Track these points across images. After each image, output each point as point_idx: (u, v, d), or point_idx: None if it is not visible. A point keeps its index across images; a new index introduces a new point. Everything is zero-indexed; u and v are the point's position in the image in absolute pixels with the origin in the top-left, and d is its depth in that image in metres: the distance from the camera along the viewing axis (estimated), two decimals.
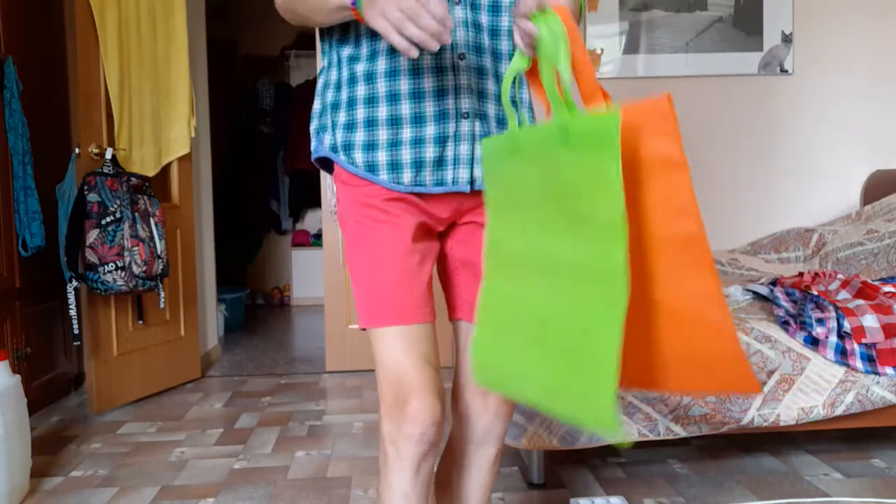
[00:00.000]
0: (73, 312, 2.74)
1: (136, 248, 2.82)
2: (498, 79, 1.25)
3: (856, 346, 2.05)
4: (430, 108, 1.20)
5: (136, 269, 2.81)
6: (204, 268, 3.83)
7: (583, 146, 0.90)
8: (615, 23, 3.56)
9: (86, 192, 2.78)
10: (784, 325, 2.13)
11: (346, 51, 1.24)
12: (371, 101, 1.21)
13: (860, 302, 2.11)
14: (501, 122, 1.26)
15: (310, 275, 5.86)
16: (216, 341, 4.05)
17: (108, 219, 2.79)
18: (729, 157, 3.66)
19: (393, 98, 1.20)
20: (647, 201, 0.94)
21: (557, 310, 0.95)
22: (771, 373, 2.06)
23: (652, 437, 2.07)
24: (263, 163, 5.88)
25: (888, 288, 2.20)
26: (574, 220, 0.92)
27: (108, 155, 2.89)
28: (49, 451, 2.55)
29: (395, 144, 1.21)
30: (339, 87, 1.26)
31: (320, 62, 1.35)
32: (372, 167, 1.22)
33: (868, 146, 3.68)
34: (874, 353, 2.05)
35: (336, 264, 3.64)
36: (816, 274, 2.43)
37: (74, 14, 2.90)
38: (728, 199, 3.67)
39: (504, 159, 1.09)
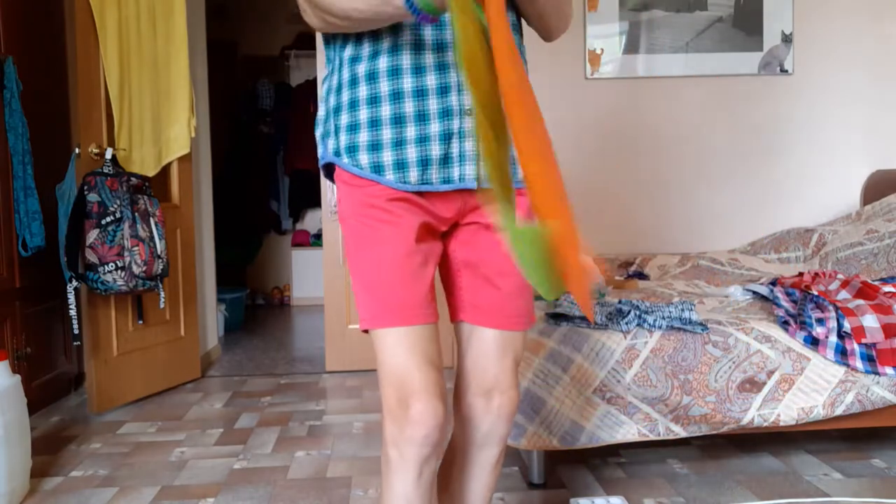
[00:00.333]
0: (73, 312, 2.74)
1: (136, 248, 2.82)
2: None
3: (856, 346, 2.05)
4: (433, 105, 1.19)
5: (136, 269, 2.81)
6: (204, 268, 3.83)
7: None
8: (615, 23, 3.56)
9: (86, 192, 2.78)
10: (784, 325, 2.13)
11: (348, 52, 1.24)
12: (374, 100, 1.21)
13: (860, 302, 2.11)
14: None
15: (310, 275, 5.87)
16: (216, 341, 4.05)
17: (108, 219, 2.79)
18: (729, 157, 3.66)
19: (396, 96, 1.20)
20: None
21: None
22: (771, 373, 2.06)
23: (652, 437, 2.07)
24: (263, 163, 5.88)
25: (888, 288, 2.20)
26: None
27: (108, 155, 2.89)
28: (49, 451, 2.55)
29: (399, 143, 1.20)
30: (339, 89, 1.25)
31: (321, 62, 1.35)
32: (378, 168, 1.21)
33: (868, 146, 3.68)
34: (874, 353, 2.05)
35: (336, 264, 3.64)
36: (816, 274, 2.43)
37: (74, 14, 2.90)
38: (728, 199, 3.67)
39: None
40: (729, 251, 3.43)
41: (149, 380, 3.23)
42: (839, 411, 2.07)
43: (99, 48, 2.95)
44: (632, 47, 3.58)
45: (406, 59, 1.19)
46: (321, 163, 1.31)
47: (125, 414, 3.00)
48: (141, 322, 3.16)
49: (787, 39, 3.59)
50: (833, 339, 2.07)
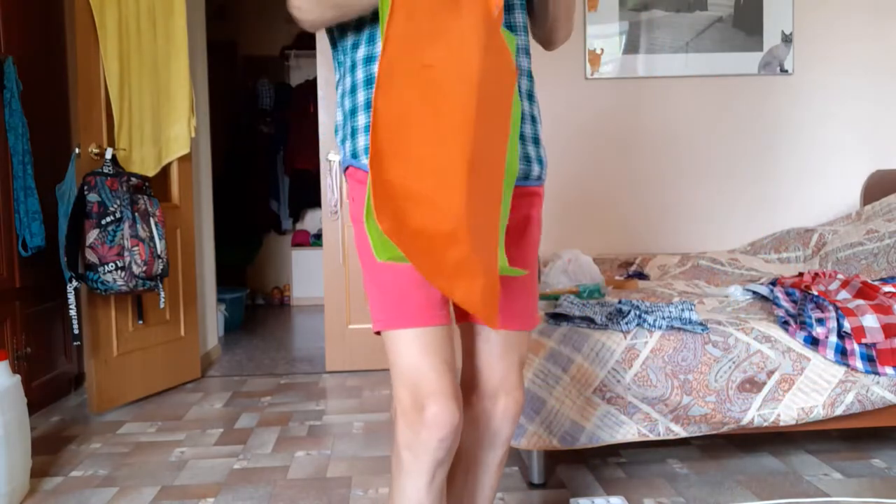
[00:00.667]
0: (73, 312, 2.74)
1: (136, 248, 2.82)
2: (518, 54, 1.24)
3: (856, 346, 2.05)
4: None
5: (136, 269, 2.81)
6: (204, 268, 3.83)
7: None
8: (615, 23, 3.56)
9: (86, 192, 2.78)
10: (784, 325, 2.13)
11: (361, 52, 1.22)
12: None
13: (860, 302, 2.11)
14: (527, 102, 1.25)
15: (310, 275, 5.87)
16: (216, 341, 4.05)
17: (108, 219, 2.79)
18: (729, 157, 3.66)
19: None
20: None
21: None
22: (771, 373, 2.06)
23: (652, 437, 2.07)
24: (263, 163, 5.88)
25: (888, 288, 2.20)
26: None
27: (108, 155, 2.89)
28: (49, 451, 2.55)
29: None
30: (354, 91, 1.23)
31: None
32: None
33: (868, 146, 3.68)
34: (874, 353, 2.05)
35: (336, 264, 3.64)
36: (816, 274, 2.43)
37: (74, 14, 2.90)
38: (728, 199, 3.67)
39: None
40: (729, 251, 3.43)
41: (149, 380, 3.23)
42: (839, 411, 2.07)
43: (99, 48, 2.95)
44: (632, 47, 3.58)
45: None
46: (342, 167, 1.30)
47: (125, 414, 3.00)
48: (141, 322, 3.16)
49: (787, 39, 3.59)
50: (833, 339, 2.07)
